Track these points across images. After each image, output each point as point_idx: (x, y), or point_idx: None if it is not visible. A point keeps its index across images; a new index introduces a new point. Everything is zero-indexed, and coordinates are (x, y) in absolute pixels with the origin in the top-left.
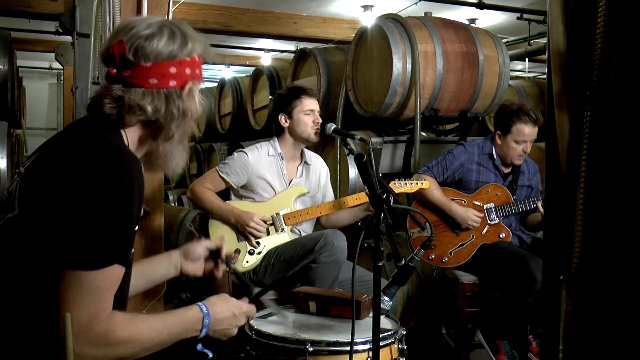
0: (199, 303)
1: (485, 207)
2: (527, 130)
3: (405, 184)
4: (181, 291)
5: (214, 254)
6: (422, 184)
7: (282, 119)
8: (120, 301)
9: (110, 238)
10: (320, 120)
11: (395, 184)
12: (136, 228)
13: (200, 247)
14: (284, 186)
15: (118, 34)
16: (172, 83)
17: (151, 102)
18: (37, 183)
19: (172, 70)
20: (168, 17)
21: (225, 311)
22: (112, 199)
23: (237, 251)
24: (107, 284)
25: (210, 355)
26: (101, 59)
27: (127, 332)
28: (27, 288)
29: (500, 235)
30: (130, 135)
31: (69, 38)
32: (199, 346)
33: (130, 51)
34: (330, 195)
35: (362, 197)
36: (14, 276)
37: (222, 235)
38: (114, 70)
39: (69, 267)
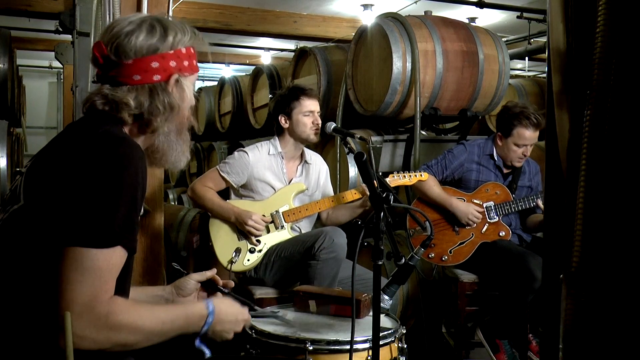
0: (206, 300)
1: (485, 206)
2: (528, 134)
3: (404, 176)
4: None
5: (206, 284)
6: (421, 175)
7: (282, 120)
8: (123, 292)
9: (114, 218)
10: (319, 121)
11: (393, 176)
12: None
13: (191, 282)
14: (284, 185)
15: (102, 35)
16: (156, 77)
17: (135, 98)
18: (42, 174)
19: (154, 64)
20: (168, 15)
21: (229, 314)
22: (116, 181)
23: (238, 251)
24: (109, 266)
25: (208, 353)
26: (90, 61)
27: (129, 317)
28: (34, 273)
29: (500, 234)
30: (126, 132)
31: (69, 37)
32: (197, 341)
33: (111, 51)
34: (329, 194)
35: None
36: (21, 262)
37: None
38: (100, 71)
39: (71, 245)
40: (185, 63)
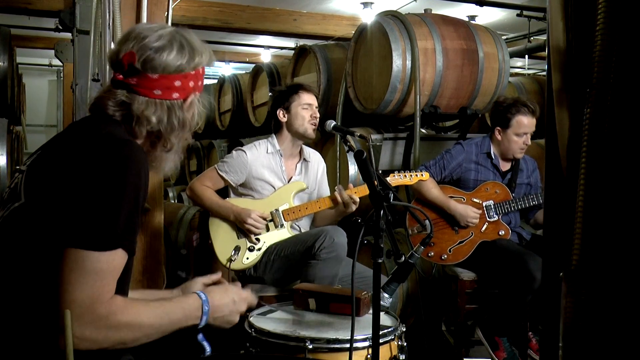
0: (198, 291)
1: (484, 205)
2: (527, 121)
3: (405, 176)
4: (179, 269)
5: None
6: (422, 175)
7: (281, 114)
8: (122, 292)
9: (116, 221)
10: (318, 116)
11: (394, 176)
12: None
13: (198, 285)
14: (283, 183)
15: (129, 41)
16: (175, 95)
17: (154, 113)
18: (43, 172)
19: (177, 83)
20: (168, 14)
21: (224, 297)
22: (119, 183)
23: (237, 249)
24: (110, 268)
25: (209, 349)
26: (109, 62)
27: (128, 316)
28: (34, 272)
29: (500, 233)
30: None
31: (68, 35)
32: (200, 336)
33: (139, 61)
34: (324, 190)
35: (361, 191)
36: (20, 261)
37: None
38: (120, 76)
39: (72, 246)
40: (200, 82)
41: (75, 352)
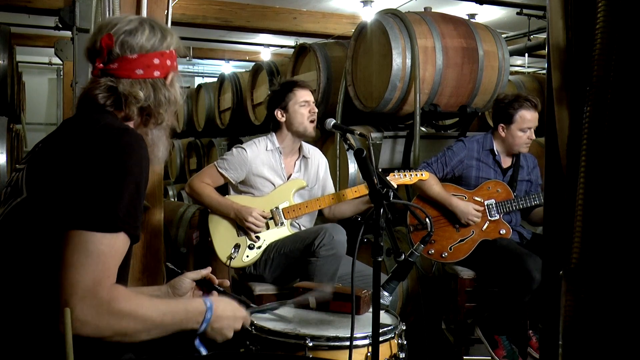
0: (204, 297)
1: (486, 203)
2: (530, 116)
3: (405, 175)
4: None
5: (202, 283)
6: (422, 175)
7: (279, 114)
8: (121, 282)
9: (117, 204)
10: (316, 110)
11: (394, 175)
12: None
13: (187, 281)
14: (283, 181)
15: (102, 30)
16: (156, 73)
17: (141, 89)
18: (44, 166)
19: (156, 61)
20: (168, 12)
21: (228, 310)
22: (120, 169)
23: (237, 247)
24: (112, 252)
25: (204, 352)
26: (86, 55)
27: (130, 305)
28: (37, 259)
29: (501, 232)
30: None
31: (68, 33)
32: (197, 341)
33: (116, 44)
34: (330, 188)
35: (361, 190)
36: (24, 250)
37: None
38: (101, 65)
39: (75, 228)
40: (175, 63)
41: (78, 341)
